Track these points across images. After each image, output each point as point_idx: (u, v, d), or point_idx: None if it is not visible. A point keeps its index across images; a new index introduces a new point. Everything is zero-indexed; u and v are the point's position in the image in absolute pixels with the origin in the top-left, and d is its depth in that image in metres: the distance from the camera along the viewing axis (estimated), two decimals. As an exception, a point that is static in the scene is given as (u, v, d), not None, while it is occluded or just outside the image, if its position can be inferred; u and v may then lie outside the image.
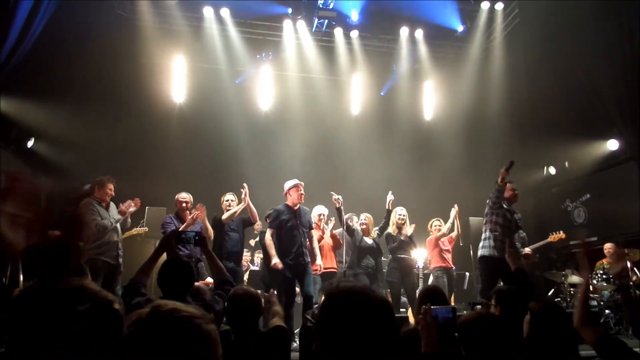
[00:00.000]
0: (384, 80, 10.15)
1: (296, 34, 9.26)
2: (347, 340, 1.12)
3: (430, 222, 6.89)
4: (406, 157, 9.15)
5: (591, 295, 6.15)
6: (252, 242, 7.68)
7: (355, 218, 6.33)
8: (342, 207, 5.66)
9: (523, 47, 9.12)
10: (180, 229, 5.16)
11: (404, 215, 6.25)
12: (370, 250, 6.08)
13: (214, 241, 5.70)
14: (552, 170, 8.96)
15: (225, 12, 8.88)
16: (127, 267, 5.14)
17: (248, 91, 9.53)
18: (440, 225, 6.76)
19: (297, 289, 5.52)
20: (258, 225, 6.60)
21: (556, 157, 8.70)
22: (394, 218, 6.22)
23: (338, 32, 9.38)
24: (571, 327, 2.06)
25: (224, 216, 5.65)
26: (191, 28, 8.93)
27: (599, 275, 6.36)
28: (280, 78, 9.64)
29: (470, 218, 8.06)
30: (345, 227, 5.77)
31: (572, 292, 6.55)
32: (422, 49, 9.70)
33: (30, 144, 7.03)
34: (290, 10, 9.10)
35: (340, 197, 5.66)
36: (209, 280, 5.27)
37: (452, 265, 6.81)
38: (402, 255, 6.10)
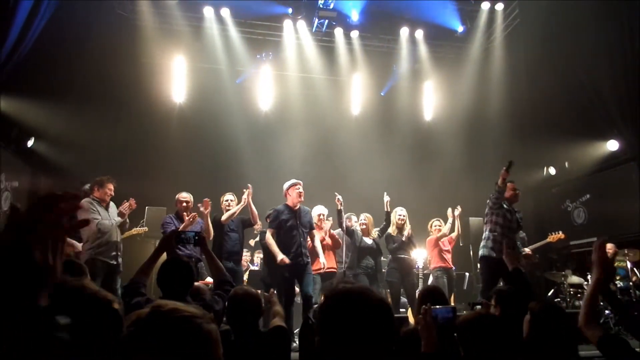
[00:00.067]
0: (384, 81, 10.15)
1: (296, 34, 9.26)
2: (347, 341, 1.12)
3: (430, 222, 6.89)
4: (406, 157, 9.15)
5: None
6: (252, 242, 7.68)
7: (354, 218, 6.32)
8: (342, 208, 5.66)
9: (523, 47, 9.11)
10: (179, 229, 5.16)
11: (404, 216, 6.25)
12: (370, 251, 6.08)
13: (213, 241, 5.69)
14: (552, 170, 8.95)
15: (225, 12, 8.88)
16: (127, 267, 5.13)
17: (248, 91, 9.53)
18: (440, 226, 6.76)
19: (297, 289, 5.51)
20: (258, 226, 6.60)
21: (556, 157, 8.70)
22: (394, 218, 6.22)
23: (338, 32, 9.38)
24: (571, 328, 2.06)
25: (223, 217, 5.65)
26: (191, 28, 8.93)
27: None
28: (281, 78, 9.64)
29: (470, 218, 8.06)
30: (343, 228, 5.76)
31: (571, 292, 6.55)
32: (422, 49, 9.71)
33: (30, 143, 7.03)
34: (290, 10, 9.10)
35: (340, 197, 5.66)
36: (209, 280, 5.26)
37: (452, 266, 6.80)
38: (402, 256, 6.10)
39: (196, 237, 2.96)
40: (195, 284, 3.16)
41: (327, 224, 6.13)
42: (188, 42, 9.02)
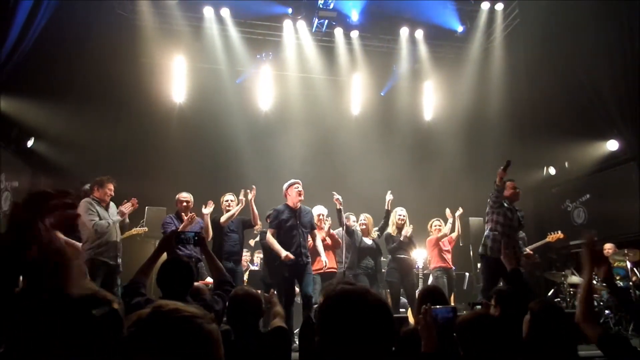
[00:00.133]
0: (384, 81, 10.15)
1: (296, 34, 9.26)
2: (346, 342, 1.12)
3: (430, 222, 6.89)
4: (406, 157, 9.15)
5: (595, 295, 6.15)
6: (252, 242, 7.68)
7: (352, 217, 6.31)
8: (342, 208, 5.66)
9: (523, 47, 9.11)
10: (179, 230, 5.16)
11: (404, 216, 6.24)
12: (370, 251, 6.08)
13: (213, 242, 5.69)
14: (552, 170, 8.95)
15: (225, 12, 8.88)
16: (127, 267, 5.13)
17: (248, 91, 9.53)
18: (440, 225, 6.76)
19: (297, 289, 5.51)
20: (258, 226, 6.60)
21: (556, 157, 8.70)
22: (394, 218, 6.22)
23: (338, 32, 9.38)
24: (571, 327, 2.06)
25: (223, 218, 5.64)
26: (191, 28, 8.93)
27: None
28: (280, 78, 9.64)
29: (470, 218, 8.06)
30: (344, 228, 5.76)
31: (572, 292, 6.55)
32: (422, 49, 9.71)
33: (30, 143, 7.03)
34: (290, 11, 9.10)
35: (340, 197, 5.65)
36: (209, 280, 5.26)
37: (452, 266, 6.80)
38: (402, 256, 6.10)
39: (196, 238, 2.96)
40: (195, 284, 3.16)
41: (327, 224, 6.13)
42: (188, 42, 9.02)
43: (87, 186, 5.29)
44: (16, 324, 1.22)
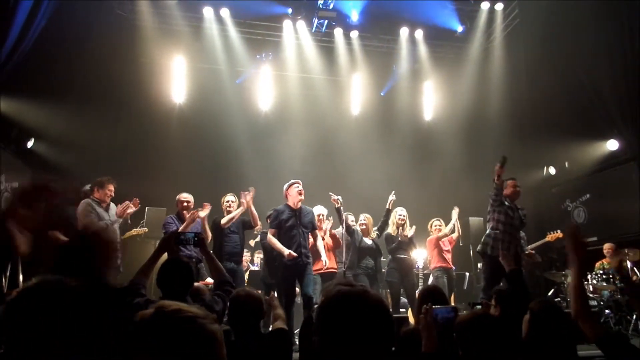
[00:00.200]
0: (384, 81, 10.15)
1: (296, 34, 9.26)
2: (345, 342, 1.11)
3: (430, 222, 6.88)
4: (406, 157, 9.15)
5: (591, 295, 6.15)
6: (252, 243, 7.68)
7: (350, 217, 6.29)
8: (341, 208, 5.65)
9: (523, 47, 9.11)
10: (180, 230, 5.16)
11: (404, 216, 6.24)
12: (370, 251, 6.08)
13: (214, 243, 5.68)
14: (552, 170, 8.95)
15: (225, 12, 8.88)
16: (127, 268, 5.13)
17: (248, 91, 9.54)
18: (440, 225, 6.75)
19: (297, 289, 5.51)
20: (258, 226, 6.59)
21: (556, 157, 8.70)
22: (394, 218, 6.21)
23: (338, 32, 9.38)
24: (570, 327, 2.06)
25: (223, 220, 5.62)
26: (191, 28, 8.93)
27: (599, 275, 6.36)
28: (280, 78, 9.64)
29: (470, 218, 8.06)
30: (344, 228, 5.75)
31: (572, 292, 6.54)
32: (422, 49, 9.71)
33: (30, 144, 7.03)
34: (290, 11, 9.10)
35: (340, 197, 5.65)
36: (209, 280, 5.26)
37: (452, 266, 6.80)
38: (402, 256, 6.10)
39: (195, 238, 2.96)
40: (195, 284, 3.16)
41: (327, 225, 6.12)
42: (188, 42, 9.02)
43: (87, 187, 5.28)
44: (16, 324, 1.22)
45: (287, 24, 9.16)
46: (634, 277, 6.14)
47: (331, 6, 8.79)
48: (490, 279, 5.08)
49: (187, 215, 5.38)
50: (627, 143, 7.17)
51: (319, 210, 6.10)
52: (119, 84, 8.14)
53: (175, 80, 9.10)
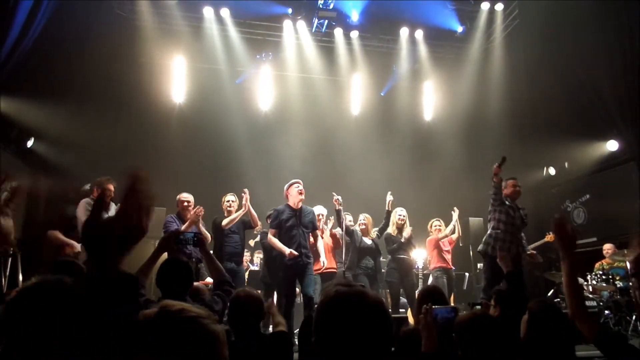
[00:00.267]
0: (384, 81, 10.15)
1: (296, 34, 9.27)
2: (344, 343, 1.11)
3: (430, 222, 6.88)
4: (406, 157, 9.16)
5: (590, 295, 6.14)
6: (252, 243, 7.68)
7: (348, 217, 6.29)
8: (341, 209, 5.64)
9: (523, 47, 9.12)
10: (182, 229, 5.16)
11: (403, 216, 6.24)
12: (370, 251, 6.07)
13: (214, 243, 5.68)
14: (552, 170, 8.95)
15: (225, 12, 8.89)
16: (127, 268, 5.10)
17: (248, 91, 9.54)
18: (440, 226, 6.75)
19: (297, 289, 5.50)
20: (259, 226, 6.59)
21: (556, 157, 8.69)
22: (394, 218, 6.21)
23: (338, 32, 9.39)
24: (569, 328, 2.06)
25: (224, 222, 5.60)
26: (191, 28, 8.94)
27: (599, 275, 6.36)
28: (280, 78, 9.65)
29: (470, 218, 8.06)
30: (344, 228, 5.75)
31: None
32: (422, 49, 9.71)
33: (29, 144, 7.02)
34: (290, 11, 9.10)
35: (339, 197, 5.64)
36: (209, 280, 5.26)
37: (452, 266, 6.80)
38: (402, 256, 6.09)
39: (195, 238, 2.96)
40: (195, 284, 3.16)
41: (328, 225, 6.12)
42: (188, 42, 9.03)
43: (87, 186, 5.28)
44: (15, 324, 1.22)
45: (287, 24, 9.16)
46: (632, 280, 6.12)
47: (331, 6, 8.80)
48: (491, 279, 5.07)
49: (189, 215, 5.37)
50: (627, 143, 7.17)
51: (318, 210, 6.10)
52: (118, 84, 8.14)
53: (175, 80, 9.10)
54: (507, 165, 5.11)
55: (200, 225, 5.44)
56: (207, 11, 8.86)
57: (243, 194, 5.58)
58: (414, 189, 8.24)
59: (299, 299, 5.69)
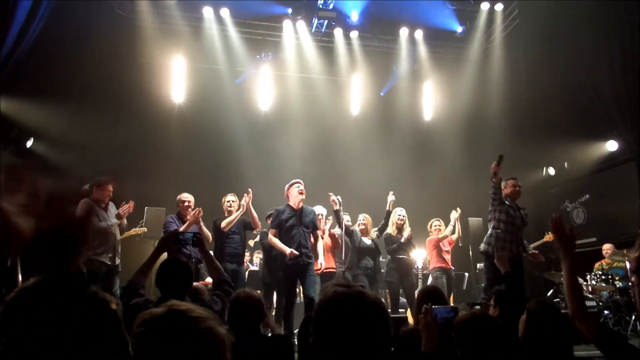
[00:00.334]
0: (384, 81, 10.16)
1: (296, 34, 9.27)
2: (343, 343, 1.11)
3: (430, 222, 6.87)
4: (406, 157, 9.16)
5: (590, 295, 6.14)
6: (252, 243, 7.67)
7: (346, 217, 6.28)
8: (340, 209, 5.63)
9: (523, 47, 9.12)
10: (181, 229, 5.15)
11: (403, 216, 6.24)
12: (369, 251, 6.07)
13: (215, 244, 5.67)
14: (552, 170, 8.95)
15: (225, 12, 8.89)
16: (126, 268, 5.13)
17: (248, 91, 9.54)
18: (440, 226, 6.74)
19: (297, 290, 5.49)
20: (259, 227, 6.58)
21: (556, 157, 8.70)
22: (393, 218, 6.21)
23: (338, 32, 9.39)
24: (567, 328, 2.06)
25: (223, 223, 5.57)
26: (191, 28, 8.94)
27: (598, 276, 6.36)
28: (280, 78, 9.65)
29: (470, 218, 8.06)
30: (343, 228, 5.74)
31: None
32: (422, 49, 9.72)
33: (29, 144, 7.03)
34: (290, 11, 9.11)
35: (339, 197, 5.63)
36: (209, 280, 5.25)
37: (451, 266, 6.80)
38: (401, 256, 6.09)
39: (194, 238, 2.95)
40: (194, 284, 3.16)
41: (328, 224, 6.11)
42: (187, 42, 9.03)
43: (87, 187, 5.27)
44: (15, 324, 1.22)
45: (287, 24, 9.16)
46: (633, 278, 6.12)
47: (331, 6, 8.80)
48: (492, 279, 5.06)
49: (189, 215, 5.36)
50: (627, 143, 7.17)
51: (318, 210, 6.10)
52: (119, 84, 8.14)
53: (175, 80, 9.11)
54: (507, 165, 5.11)
55: (202, 224, 5.43)
56: (207, 11, 8.87)
57: (245, 195, 5.56)
58: (414, 189, 8.24)
59: (298, 299, 5.67)
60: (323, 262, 5.45)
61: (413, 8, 9.14)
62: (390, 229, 6.20)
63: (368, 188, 7.97)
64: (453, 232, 6.83)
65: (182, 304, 1.09)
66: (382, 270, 6.25)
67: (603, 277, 6.30)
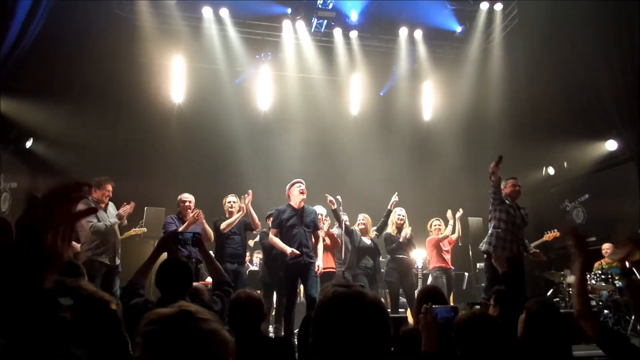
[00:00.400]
0: (383, 81, 10.16)
1: (295, 34, 9.26)
2: (342, 343, 1.11)
3: (429, 222, 6.88)
4: (405, 157, 9.16)
5: (590, 295, 6.15)
6: (251, 243, 7.67)
7: (344, 217, 6.28)
8: (340, 208, 5.63)
9: (522, 47, 9.12)
10: (181, 229, 5.14)
11: (403, 216, 6.24)
12: (369, 251, 6.07)
13: (215, 244, 5.66)
14: (551, 170, 8.96)
15: (224, 12, 8.89)
16: (126, 268, 5.13)
17: (247, 91, 9.54)
18: (439, 225, 6.75)
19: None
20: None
21: (555, 157, 8.71)
22: (393, 218, 6.21)
23: (337, 32, 9.39)
24: (566, 327, 2.06)
25: (222, 225, 5.56)
26: (190, 28, 8.93)
27: (598, 275, 6.37)
28: (280, 78, 9.65)
29: (470, 218, 8.05)
30: (343, 228, 5.74)
31: (570, 292, 6.56)
32: (421, 49, 9.72)
33: (28, 144, 7.02)
34: (289, 11, 9.10)
35: (339, 197, 5.62)
36: (209, 280, 5.25)
37: (451, 266, 6.80)
38: (401, 256, 6.10)
39: (194, 238, 2.95)
40: (194, 284, 3.15)
41: (326, 224, 6.11)
42: (187, 42, 9.02)
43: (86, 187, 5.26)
44: (14, 324, 1.21)
45: (286, 24, 9.16)
46: (633, 277, 6.13)
47: (330, 6, 8.80)
48: (493, 279, 5.06)
49: (189, 216, 5.36)
50: (626, 143, 7.18)
51: (318, 210, 6.09)
52: (118, 84, 8.14)
53: (175, 80, 9.10)
54: (507, 165, 5.11)
55: (204, 223, 5.42)
56: (206, 11, 8.86)
57: (246, 195, 5.55)
58: (414, 189, 8.24)
59: (298, 299, 5.66)
60: (321, 263, 5.41)
61: (412, 8, 9.14)
62: (390, 229, 6.21)
63: (367, 188, 7.97)
64: (453, 232, 6.84)
65: (190, 305, 1.09)
66: (382, 270, 6.25)
67: (603, 276, 6.31)
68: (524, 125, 9.09)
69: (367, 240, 6.13)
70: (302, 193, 5.24)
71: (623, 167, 7.36)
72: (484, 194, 5.60)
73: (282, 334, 5.26)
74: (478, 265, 7.76)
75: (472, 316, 2.06)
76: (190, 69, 9.20)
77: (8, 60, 5.94)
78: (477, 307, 3.36)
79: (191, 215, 5.28)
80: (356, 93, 9.91)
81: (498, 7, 9.25)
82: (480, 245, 5.48)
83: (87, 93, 7.52)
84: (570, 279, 6.64)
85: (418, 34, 9.60)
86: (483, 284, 6.16)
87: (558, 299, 6.71)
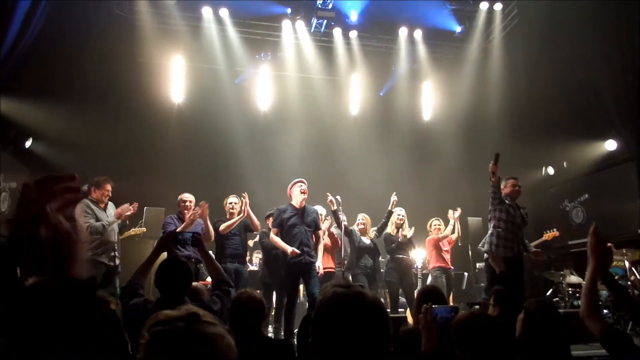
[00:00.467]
0: (383, 81, 10.16)
1: (295, 34, 9.26)
2: (342, 344, 1.11)
3: (429, 222, 6.88)
4: (405, 157, 9.16)
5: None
6: (251, 243, 7.66)
7: (343, 217, 6.27)
8: (339, 208, 5.63)
9: (522, 47, 9.12)
10: (179, 229, 5.14)
11: (402, 216, 6.24)
12: (369, 251, 6.07)
13: (215, 245, 5.65)
14: (551, 170, 8.96)
15: (224, 12, 8.89)
16: (126, 268, 5.13)
17: (247, 91, 9.54)
18: (439, 225, 6.75)
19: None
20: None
21: (555, 157, 8.70)
22: (392, 218, 6.21)
23: (337, 32, 9.39)
24: (564, 327, 2.06)
25: (222, 227, 5.55)
26: (190, 28, 8.93)
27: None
28: (279, 78, 9.65)
29: (469, 218, 8.06)
30: (343, 228, 5.73)
31: (570, 292, 6.56)
32: (421, 49, 9.72)
33: (28, 144, 7.02)
34: (289, 11, 9.10)
35: (338, 197, 5.62)
36: (209, 280, 5.24)
37: (451, 266, 6.81)
38: (400, 256, 6.10)
39: (193, 238, 2.95)
40: (194, 284, 3.16)
41: (325, 224, 6.11)
42: (187, 42, 9.02)
43: (85, 187, 5.26)
44: (14, 323, 1.22)
45: (286, 23, 9.16)
46: (632, 277, 6.14)
47: (330, 6, 8.80)
48: (493, 279, 5.06)
49: (187, 216, 5.36)
50: (626, 143, 7.18)
51: (318, 210, 6.10)
52: (118, 84, 8.14)
53: (174, 80, 9.10)
54: (506, 165, 5.11)
55: (208, 221, 5.41)
56: (206, 11, 8.86)
57: (242, 198, 5.55)
58: (413, 189, 8.24)
59: (298, 299, 5.67)
60: (320, 264, 5.42)
61: (412, 8, 9.14)
62: (390, 229, 6.21)
63: (367, 188, 7.97)
64: (453, 232, 6.84)
65: (197, 309, 1.10)
66: (382, 270, 6.25)
67: (602, 276, 6.30)
68: (523, 125, 9.09)
69: (366, 240, 6.14)
70: (303, 193, 5.24)
71: (622, 167, 7.36)
72: (483, 194, 5.60)
73: (282, 333, 5.26)
74: (478, 265, 7.76)
75: (471, 316, 2.07)
76: (190, 69, 9.20)
77: (8, 59, 5.94)
78: (477, 307, 3.36)
79: (189, 216, 5.27)
80: (356, 93, 9.91)
81: (498, 7, 9.25)
82: (481, 245, 5.48)
83: (87, 93, 7.52)
84: (570, 279, 6.64)
85: (418, 34, 9.60)
86: (483, 284, 6.17)
87: (557, 298, 6.70)
